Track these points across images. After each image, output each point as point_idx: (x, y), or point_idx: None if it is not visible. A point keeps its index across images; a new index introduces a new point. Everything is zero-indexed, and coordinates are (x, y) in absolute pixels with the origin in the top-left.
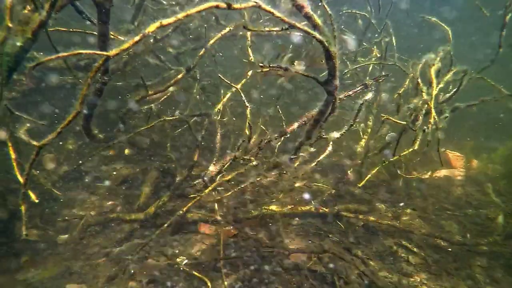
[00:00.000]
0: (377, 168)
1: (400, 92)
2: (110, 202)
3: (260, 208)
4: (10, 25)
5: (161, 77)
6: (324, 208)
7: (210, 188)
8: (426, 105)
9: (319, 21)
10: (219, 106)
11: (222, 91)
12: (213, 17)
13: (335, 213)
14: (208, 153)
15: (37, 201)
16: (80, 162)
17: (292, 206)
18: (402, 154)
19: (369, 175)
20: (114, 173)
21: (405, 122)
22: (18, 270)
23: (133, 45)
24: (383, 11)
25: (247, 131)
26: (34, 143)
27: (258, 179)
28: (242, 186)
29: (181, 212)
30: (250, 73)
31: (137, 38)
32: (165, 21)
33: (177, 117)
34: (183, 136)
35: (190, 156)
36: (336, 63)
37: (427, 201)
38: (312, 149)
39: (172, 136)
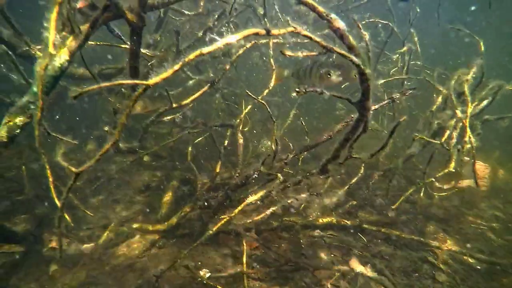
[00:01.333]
0: (411, 190)
1: (433, 109)
2: (131, 210)
3: (280, 219)
4: (53, 52)
5: (183, 87)
6: (346, 221)
7: (239, 208)
8: (460, 123)
9: (354, 42)
10: (241, 116)
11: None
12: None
13: (356, 225)
14: (228, 162)
15: (72, 224)
16: (114, 174)
17: (313, 217)
18: (438, 175)
19: (402, 197)
20: (134, 180)
21: (438, 141)
22: (48, 279)
23: (172, 74)
24: (404, 19)
25: (273, 146)
26: (73, 169)
27: (289, 201)
28: (273, 209)
29: (210, 232)
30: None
31: (176, 66)
32: (205, 50)
33: (200, 129)
34: (202, 142)
35: (210, 165)
36: (371, 85)
37: (450, 213)
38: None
39: (192, 143)
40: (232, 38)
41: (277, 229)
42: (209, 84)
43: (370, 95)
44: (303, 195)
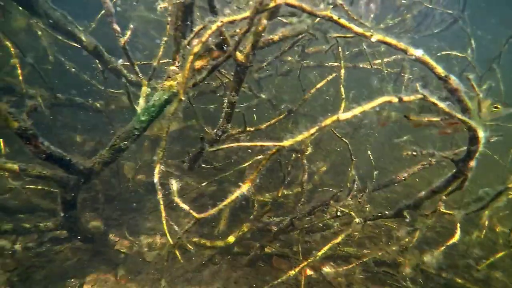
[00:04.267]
0: (502, 254)
1: None
2: (186, 218)
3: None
4: (183, 98)
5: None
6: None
7: (320, 253)
8: None
9: (470, 104)
10: (307, 142)
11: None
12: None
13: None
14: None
15: (182, 261)
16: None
17: (369, 250)
18: None
19: (490, 260)
20: (185, 188)
21: None
22: (115, 284)
23: (308, 137)
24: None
25: (348, 184)
26: (195, 214)
27: (379, 254)
28: (364, 260)
29: (291, 273)
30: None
31: (312, 130)
32: (342, 116)
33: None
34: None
35: (266, 183)
36: (480, 148)
37: None
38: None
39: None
40: (367, 106)
41: (331, 257)
42: (286, 113)
43: (475, 156)
44: (394, 249)
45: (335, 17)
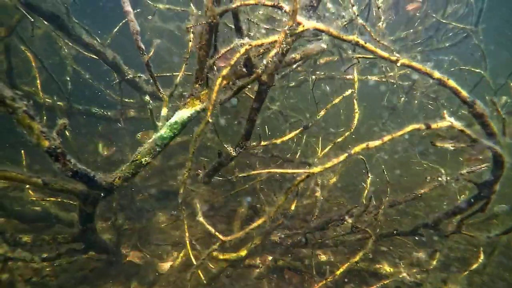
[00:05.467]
0: None
1: None
2: (196, 229)
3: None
4: (210, 120)
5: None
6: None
7: (340, 270)
8: None
9: (495, 129)
10: (320, 155)
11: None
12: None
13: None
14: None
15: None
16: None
17: (380, 266)
18: None
19: None
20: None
21: None
22: None
23: (337, 164)
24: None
25: (364, 201)
26: (221, 237)
27: (400, 276)
28: (384, 282)
29: None
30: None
31: (342, 157)
32: (371, 144)
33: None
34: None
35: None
36: (503, 172)
37: None
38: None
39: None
40: (397, 134)
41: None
42: (302, 128)
43: (499, 180)
44: (414, 271)
45: (362, 42)
